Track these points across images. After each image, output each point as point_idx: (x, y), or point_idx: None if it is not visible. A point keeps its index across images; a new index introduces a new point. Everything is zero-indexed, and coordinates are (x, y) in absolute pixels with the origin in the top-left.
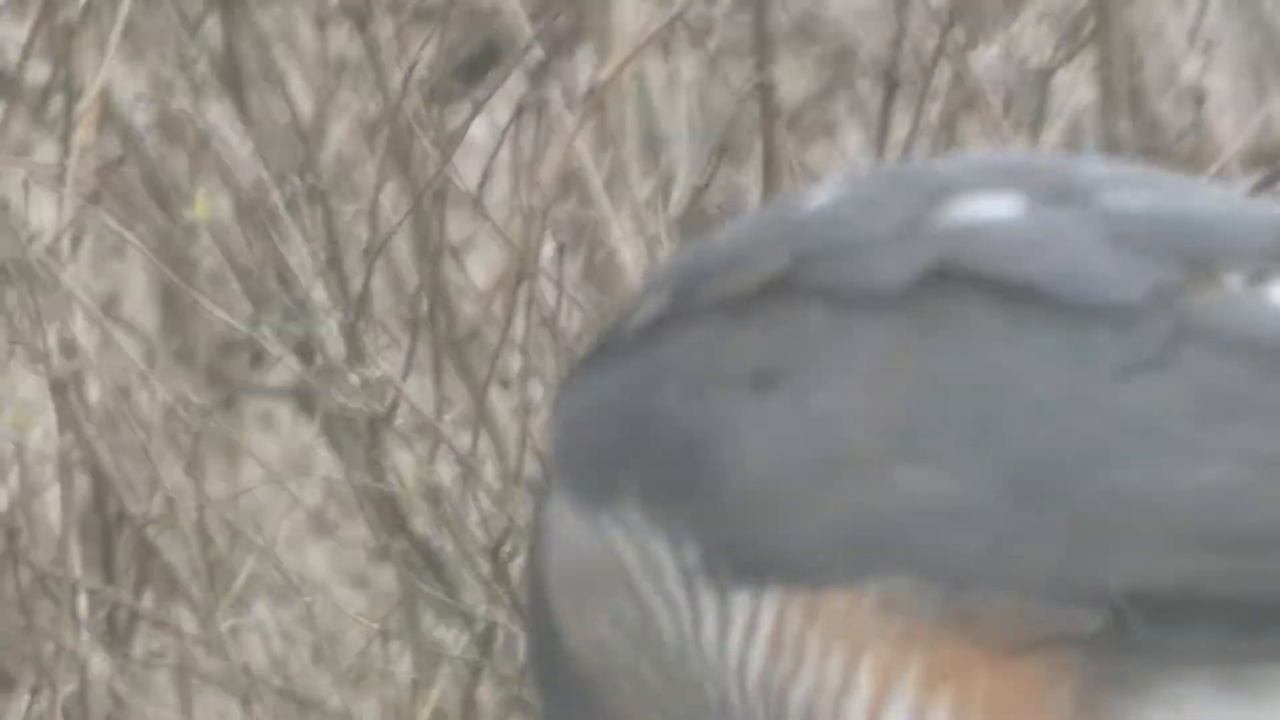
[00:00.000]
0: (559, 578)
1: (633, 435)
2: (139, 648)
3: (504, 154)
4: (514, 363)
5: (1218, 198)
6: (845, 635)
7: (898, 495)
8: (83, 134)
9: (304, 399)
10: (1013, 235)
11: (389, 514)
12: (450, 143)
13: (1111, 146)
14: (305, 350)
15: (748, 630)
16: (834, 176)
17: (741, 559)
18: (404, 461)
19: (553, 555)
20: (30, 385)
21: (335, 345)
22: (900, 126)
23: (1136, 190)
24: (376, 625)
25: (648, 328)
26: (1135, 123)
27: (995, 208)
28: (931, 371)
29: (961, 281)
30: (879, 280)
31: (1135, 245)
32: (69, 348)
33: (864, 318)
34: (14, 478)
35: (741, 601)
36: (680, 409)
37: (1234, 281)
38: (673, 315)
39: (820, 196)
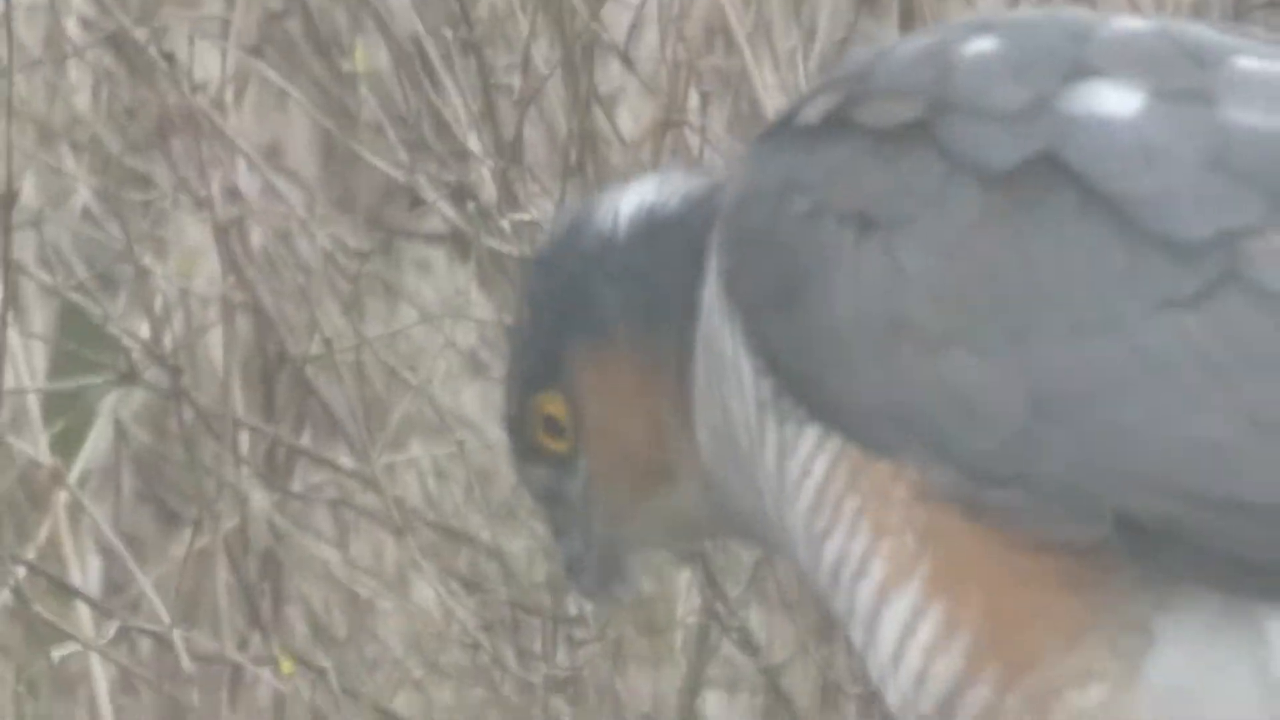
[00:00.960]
0: (703, 354)
1: (758, 246)
2: (297, 484)
3: (652, 6)
4: None
5: None
6: (875, 513)
7: (941, 376)
8: None
9: (459, 244)
10: (1121, 139)
11: None
12: None
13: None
14: (460, 196)
15: (803, 469)
16: (994, 19)
17: (809, 398)
18: None
19: (700, 330)
20: (195, 231)
21: (489, 191)
22: None
23: (1265, 102)
24: None
25: (808, 128)
26: None
27: (1118, 102)
28: (1003, 258)
29: (1061, 174)
30: (993, 156)
31: (1234, 172)
32: (232, 195)
33: (967, 187)
34: (179, 320)
35: (803, 439)
36: (797, 230)
37: None
38: (830, 123)
39: (977, 43)
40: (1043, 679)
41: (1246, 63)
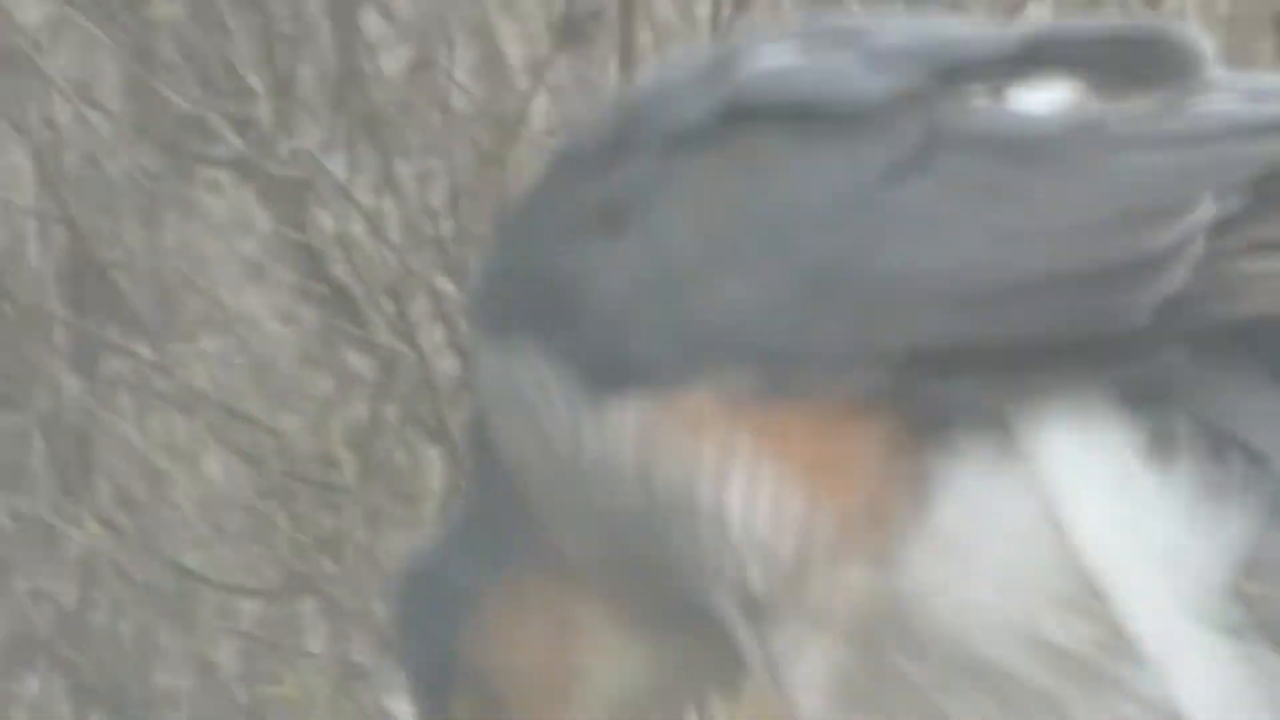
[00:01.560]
0: (486, 400)
1: (519, 277)
2: (104, 370)
3: None
4: (414, 139)
5: (972, 26)
6: (692, 426)
7: (719, 302)
8: None
9: (244, 167)
10: (790, 71)
11: (312, 263)
12: None
13: None
14: (243, 127)
15: (618, 432)
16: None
17: (609, 372)
18: (324, 219)
19: (481, 381)
20: (17, 154)
21: (267, 122)
22: None
23: (903, 30)
24: (303, 356)
25: (531, 189)
26: None
27: (778, 55)
28: (739, 196)
29: (754, 114)
30: (689, 121)
31: (888, 64)
32: (49, 124)
33: (683, 158)
34: (2, 231)
35: (613, 409)
36: (551, 252)
37: (978, 91)
38: (548, 175)
39: (647, 78)
40: (853, 523)
41: (878, 20)
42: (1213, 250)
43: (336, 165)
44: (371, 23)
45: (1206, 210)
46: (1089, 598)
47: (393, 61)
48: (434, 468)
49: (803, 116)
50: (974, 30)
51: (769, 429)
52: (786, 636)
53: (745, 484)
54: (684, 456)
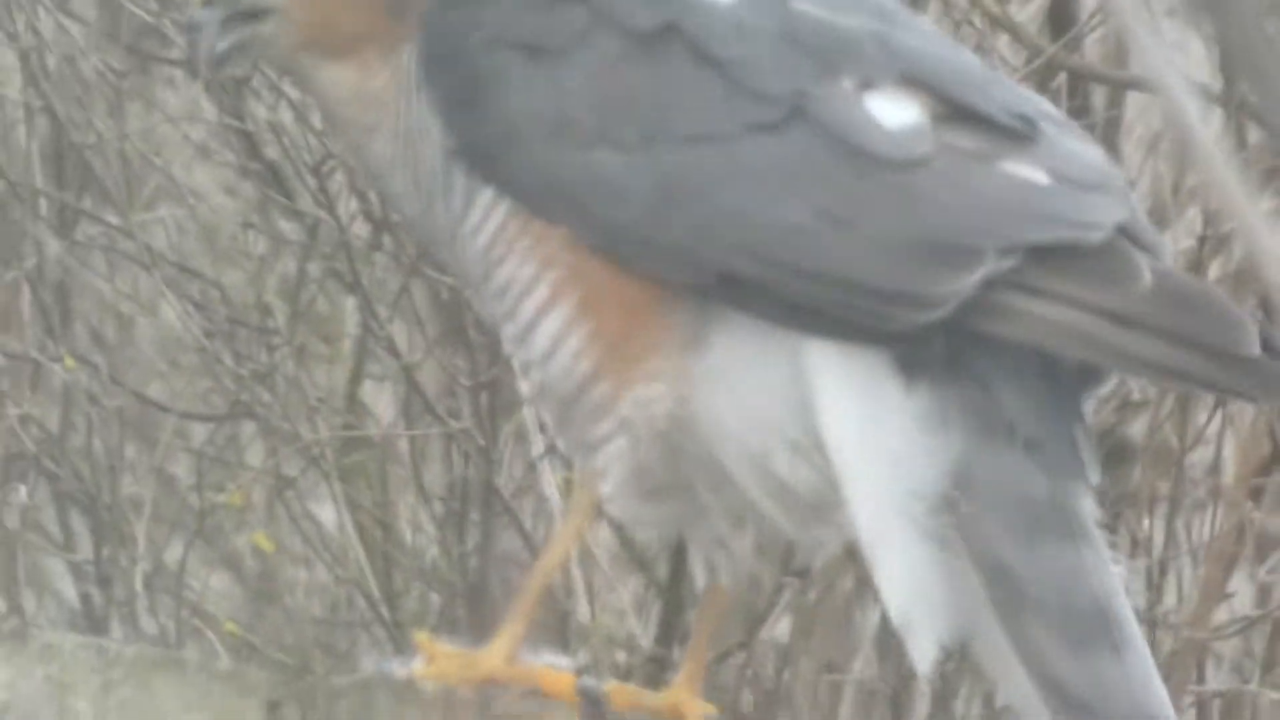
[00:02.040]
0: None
1: (449, 59)
2: (80, 235)
3: None
4: None
5: (863, 7)
6: (540, 254)
7: (590, 166)
8: None
9: (194, 68)
10: (723, 20)
11: (250, 145)
12: None
13: None
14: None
15: (482, 217)
16: None
17: (488, 170)
18: (259, 110)
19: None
20: (8, 56)
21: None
22: None
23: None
24: (241, 222)
25: None
26: None
27: None
28: (638, 86)
29: (681, 38)
30: (634, 22)
31: (799, 46)
32: (34, 31)
33: (614, 38)
34: None
35: (483, 196)
36: (479, 52)
37: (848, 85)
38: None
39: None
40: (635, 374)
41: None
42: (983, 287)
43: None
44: None
45: (988, 266)
46: (816, 453)
47: None
48: (349, 314)
49: (714, 65)
50: (869, 23)
51: (595, 293)
52: (610, 434)
53: (564, 317)
54: (523, 274)
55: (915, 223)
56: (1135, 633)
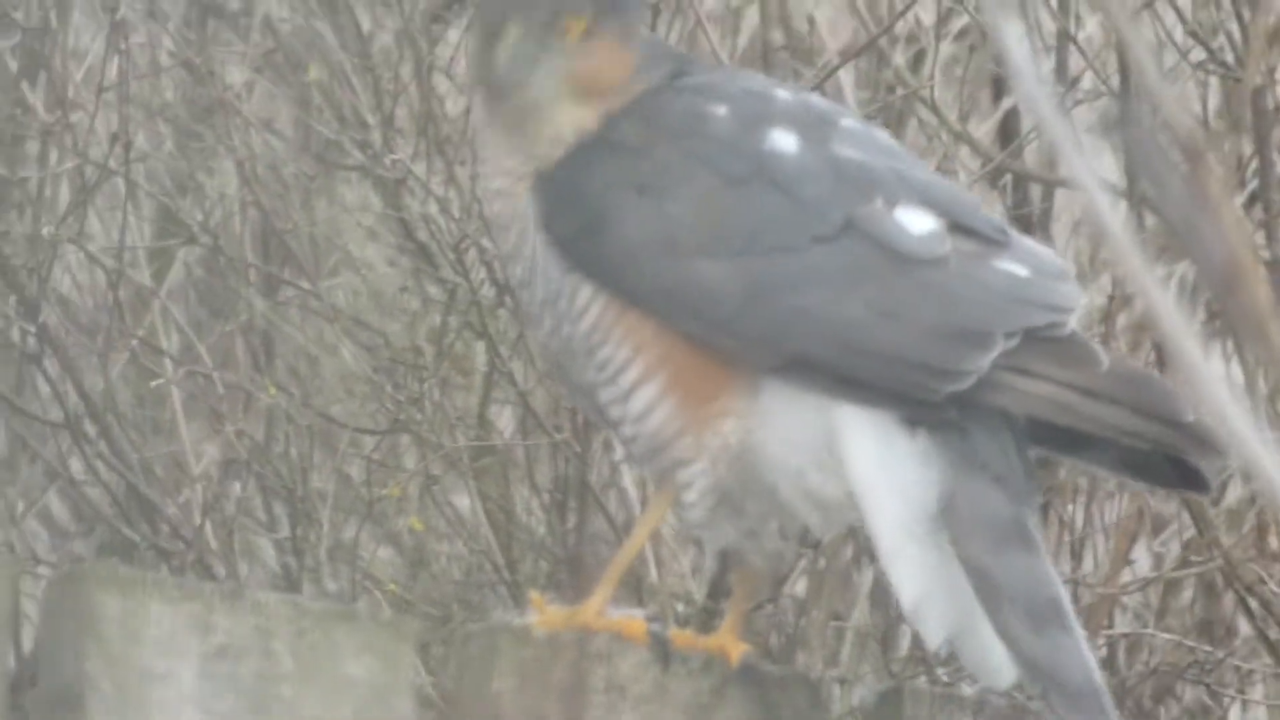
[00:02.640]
0: (539, 273)
1: (576, 202)
2: (280, 296)
3: None
4: (466, 153)
5: (880, 150)
6: (635, 337)
7: (693, 276)
8: None
9: (364, 171)
10: (792, 164)
11: (405, 230)
12: None
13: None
14: (364, 146)
15: (598, 319)
16: (723, 88)
17: (609, 282)
18: (412, 203)
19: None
20: (228, 163)
21: (379, 143)
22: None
23: (856, 144)
24: (400, 286)
25: (582, 151)
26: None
27: (788, 143)
28: (731, 213)
29: (764, 178)
30: (730, 169)
31: (844, 179)
32: (247, 145)
33: (710, 177)
34: (220, 211)
35: (592, 296)
36: (601, 193)
37: (880, 204)
38: (602, 145)
39: (715, 106)
40: (713, 421)
41: (847, 123)
42: (993, 366)
43: (420, 169)
44: (441, 81)
45: (1000, 344)
46: (841, 477)
47: (454, 105)
48: (480, 355)
49: (793, 196)
50: (884, 159)
51: (679, 357)
52: (685, 467)
53: (657, 389)
54: (620, 351)
55: (946, 311)
56: (1072, 615)
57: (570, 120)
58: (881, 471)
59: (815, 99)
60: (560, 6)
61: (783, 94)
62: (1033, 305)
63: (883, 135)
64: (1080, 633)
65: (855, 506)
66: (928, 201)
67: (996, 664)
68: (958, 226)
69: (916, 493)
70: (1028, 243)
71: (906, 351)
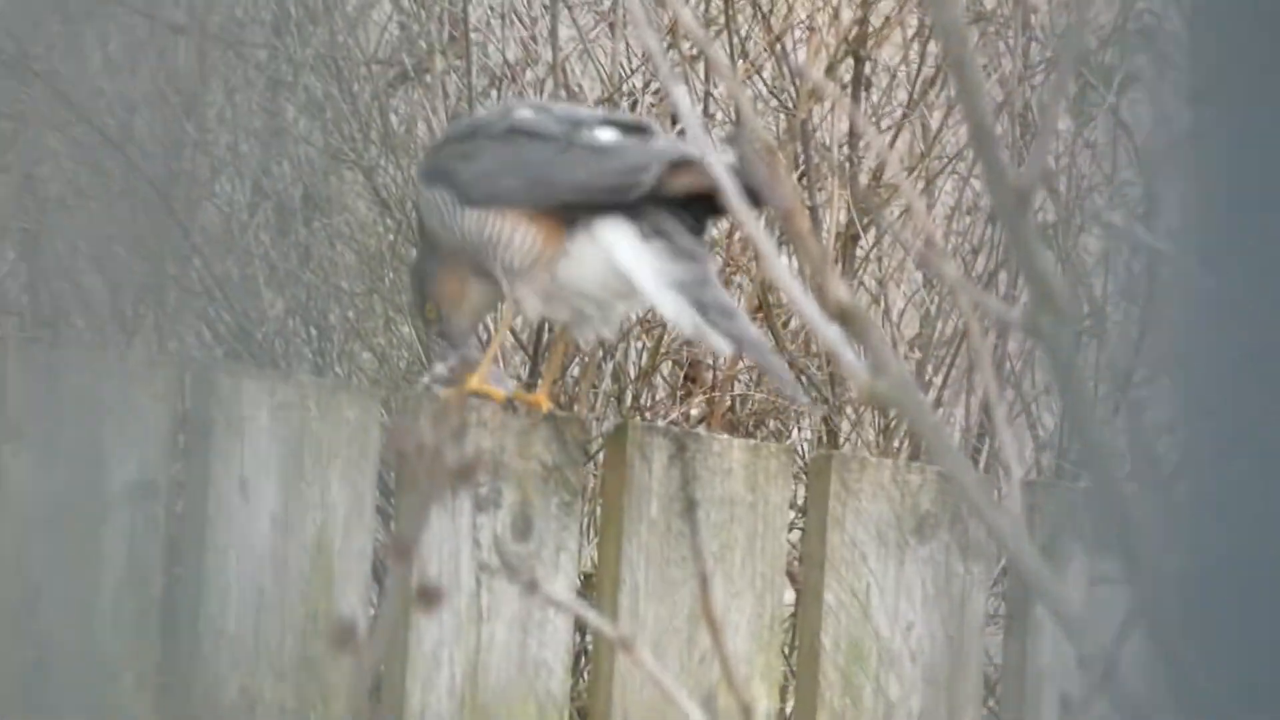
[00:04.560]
0: (423, 209)
1: (437, 164)
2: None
3: None
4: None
5: (582, 112)
6: (503, 218)
7: (504, 185)
8: None
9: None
10: (534, 119)
11: (375, 193)
12: None
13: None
14: None
15: (476, 221)
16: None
17: (471, 199)
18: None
19: (420, 203)
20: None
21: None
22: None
23: (562, 110)
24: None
25: (441, 141)
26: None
27: (526, 112)
28: (510, 151)
29: (521, 132)
30: (492, 130)
31: (563, 121)
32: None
33: (490, 142)
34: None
35: (472, 212)
36: (448, 162)
37: (585, 130)
38: (448, 139)
39: (482, 111)
40: (546, 254)
41: (559, 106)
42: (658, 178)
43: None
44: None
45: (655, 169)
46: (622, 283)
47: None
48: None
49: (531, 135)
50: (576, 109)
51: (524, 219)
52: (520, 287)
53: (516, 236)
54: (504, 232)
55: (624, 161)
56: (745, 315)
57: (452, 296)
58: (638, 261)
59: (540, 100)
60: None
61: (521, 101)
62: (671, 152)
63: (585, 109)
64: (746, 318)
65: (632, 291)
66: (608, 124)
67: (720, 342)
68: (628, 129)
69: (657, 267)
70: (669, 137)
71: (611, 183)
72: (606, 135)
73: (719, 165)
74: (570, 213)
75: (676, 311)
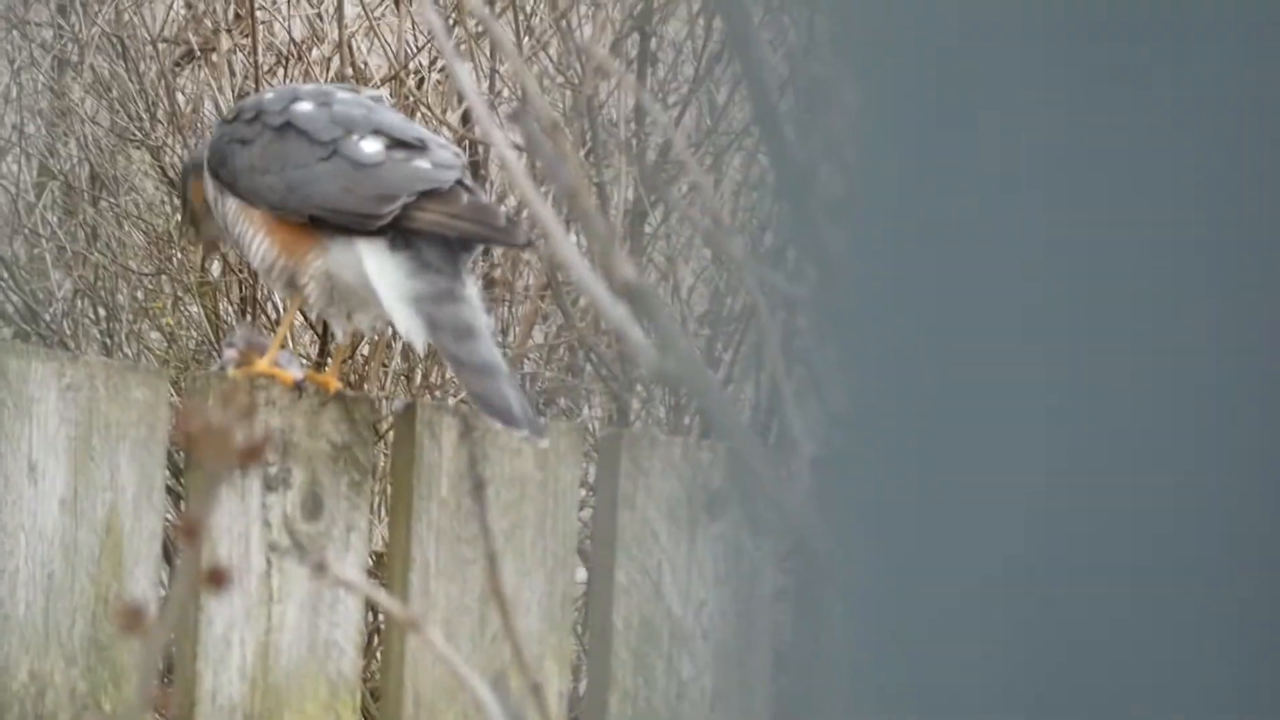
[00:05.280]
0: (206, 193)
1: (216, 151)
2: None
3: None
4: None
5: (361, 107)
6: (253, 220)
7: (264, 181)
8: None
9: None
10: (307, 115)
11: (164, 174)
12: None
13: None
14: None
15: (235, 211)
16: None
17: (237, 192)
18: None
19: (203, 189)
20: None
21: None
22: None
23: (343, 105)
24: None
25: (227, 119)
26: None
27: (306, 105)
28: (278, 147)
29: (292, 126)
30: (274, 123)
31: (336, 123)
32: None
33: (264, 130)
34: None
35: (231, 200)
36: (226, 146)
37: (355, 137)
38: (232, 118)
39: (266, 94)
40: (304, 258)
41: (342, 95)
42: (400, 210)
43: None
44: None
45: (403, 199)
46: (368, 289)
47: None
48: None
49: (300, 133)
50: (361, 109)
51: (271, 222)
52: (304, 281)
53: (258, 240)
54: (248, 231)
55: (376, 186)
56: (485, 334)
57: (198, 194)
58: (380, 274)
59: (329, 87)
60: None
61: (308, 87)
62: (423, 179)
63: (369, 99)
64: (490, 342)
65: (374, 295)
66: (379, 133)
67: (448, 364)
68: (397, 143)
69: (396, 281)
70: (440, 151)
71: (356, 208)
72: (371, 147)
73: (474, 196)
74: (324, 226)
75: (407, 327)
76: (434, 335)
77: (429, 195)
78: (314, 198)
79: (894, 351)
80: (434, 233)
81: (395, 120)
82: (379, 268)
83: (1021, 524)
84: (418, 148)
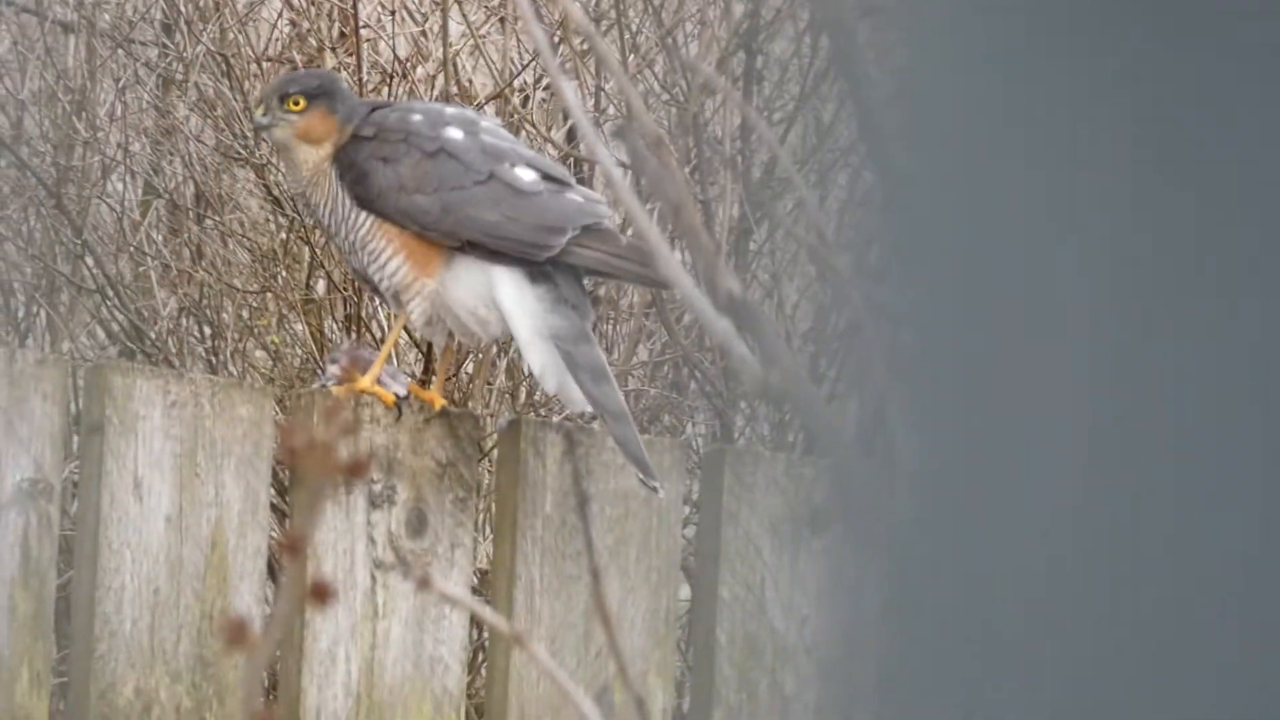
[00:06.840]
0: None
1: (351, 166)
2: None
3: None
4: None
5: (505, 139)
6: (390, 238)
7: (414, 202)
8: None
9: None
10: (460, 143)
11: (269, 191)
12: None
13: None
14: None
15: (369, 229)
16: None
17: (377, 208)
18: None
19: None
20: None
21: None
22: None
23: (490, 135)
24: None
25: (363, 134)
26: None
27: (455, 132)
28: (430, 168)
29: (447, 151)
30: (428, 147)
31: (488, 153)
32: None
33: (411, 149)
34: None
35: (366, 218)
36: (365, 162)
37: (508, 165)
38: (371, 135)
39: (414, 117)
40: (426, 278)
41: (486, 124)
42: (568, 243)
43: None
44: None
45: (569, 233)
46: (499, 317)
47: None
48: (307, 254)
49: (453, 157)
50: (505, 141)
51: (410, 244)
52: (412, 300)
53: (393, 263)
54: (382, 251)
55: (540, 216)
56: (611, 376)
57: (304, 155)
58: (518, 304)
59: (468, 113)
60: (286, 91)
61: (450, 110)
62: (586, 213)
63: (505, 132)
64: (615, 384)
65: (504, 324)
66: (530, 164)
67: (579, 400)
68: (547, 176)
69: (536, 314)
70: (583, 188)
71: (523, 237)
72: (528, 175)
73: (631, 237)
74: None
75: (543, 366)
76: (573, 374)
77: (590, 231)
78: (473, 222)
79: (965, 367)
80: (583, 267)
81: (534, 154)
82: (517, 298)
83: (1106, 549)
84: (565, 182)
